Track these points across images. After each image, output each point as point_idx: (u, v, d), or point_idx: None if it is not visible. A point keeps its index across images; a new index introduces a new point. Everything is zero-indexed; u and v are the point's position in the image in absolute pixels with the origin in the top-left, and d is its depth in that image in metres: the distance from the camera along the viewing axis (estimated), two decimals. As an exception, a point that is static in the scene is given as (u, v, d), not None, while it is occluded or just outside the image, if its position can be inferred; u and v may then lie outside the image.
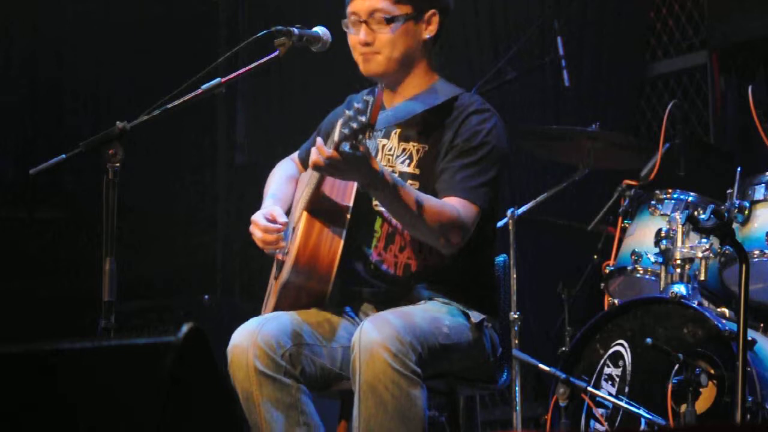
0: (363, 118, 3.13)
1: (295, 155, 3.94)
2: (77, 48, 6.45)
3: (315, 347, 3.48)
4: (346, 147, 3.22)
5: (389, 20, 3.56)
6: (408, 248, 3.57)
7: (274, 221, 3.58)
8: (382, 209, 3.56)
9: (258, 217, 3.62)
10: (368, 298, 3.58)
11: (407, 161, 3.59)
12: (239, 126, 7.28)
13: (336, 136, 3.22)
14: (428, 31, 3.62)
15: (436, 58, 3.76)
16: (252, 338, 3.42)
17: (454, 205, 3.44)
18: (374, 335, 3.28)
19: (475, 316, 3.53)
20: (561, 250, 5.76)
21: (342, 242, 3.45)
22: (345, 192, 3.49)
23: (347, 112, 3.18)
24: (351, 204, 3.49)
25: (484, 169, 3.51)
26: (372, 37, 3.58)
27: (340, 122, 3.21)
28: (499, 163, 3.54)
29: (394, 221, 3.55)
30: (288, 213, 3.70)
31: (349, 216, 3.48)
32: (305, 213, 3.47)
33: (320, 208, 3.47)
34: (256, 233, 3.60)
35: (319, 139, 3.33)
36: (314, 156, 3.28)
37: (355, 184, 3.49)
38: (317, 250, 3.44)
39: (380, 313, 3.43)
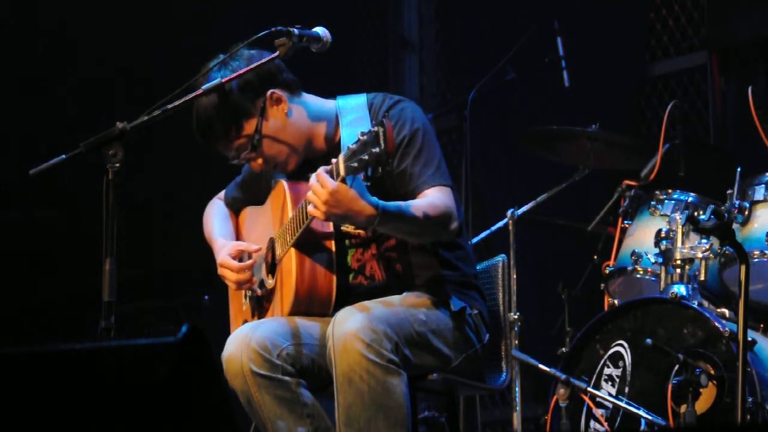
0: (376, 149, 3.11)
1: (222, 194, 4.01)
2: (77, 47, 6.44)
3: (311, 345, 3.49)
4: (348, 180, 3.21)
5: (256, 144, 3.54)
6: (383, 246, 3.60)
7: (240, 255, 3.66)
8: (350, 228, 3.61)
9: (227, 259, 3.67)
10: (354, 302, 3.59)
11: None
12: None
13: (342, 170, 3.20)
14: (282, 109, 3.57)
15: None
16: (245, 342, 3.43)
17: (434, 195, 3.48)
18: (347, 326, 3.32)
19: (455, 304, 3.55)
20: (561, 250, 5.76)
21: (335, 267, 3.50)
22: None
23: (350, 146, 3.17)
24: (332, 229, 3.52)
25: (430, 150, 3.54)
26: (260, 161, 3.59)
27: (342, 157, 3.20)
28: (433, 138, 3.59)
29: (364, 233, 3.59)
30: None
31: (333, 241, 3.52)
32: (293, 249, 3.49)
33: (304, 240, 3.49)
34: (230, 276, 3.67)
35: (321, 176, 3.26)
36: (316, 198, 3.24)
37: None
38: (314, 281, 3.50)
39: (355, 304, 3.45)
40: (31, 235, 6.31)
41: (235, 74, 3.45)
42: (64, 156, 3.21)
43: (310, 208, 3.29)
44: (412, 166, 3.51)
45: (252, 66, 3.47)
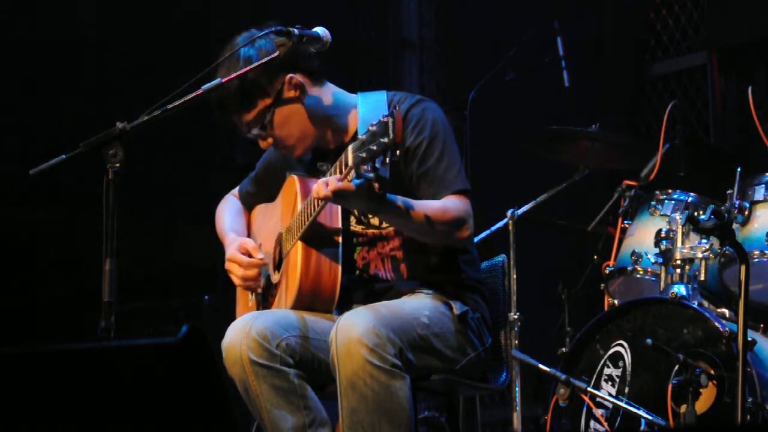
0: (385, 139, 3.09)
1: (236, 191, 4.01)
2: (78, 47, 6.45)
3: (311, 339, 3.49)
4: (358, 180, 3.20)
5: (266, 125, 3.55)
6: (389, 246, 3.59)
7: (248, 254, 3.65)
8: (359, 227, 3.61)
9: (236, 254, 3.65)
10: (359, 301, 3.59)
11: None
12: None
13: (350, 160, 3.19)
14: (299, 95, 3.57)
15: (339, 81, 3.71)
16: (245, 331, 3.44)
17: (452, 200, 3.49)
18: (351, 331, 3.32)
19: (458, 307, 3.55)
20: (561, 250, 5.76)
21: (340, 264, 3.49)
22: (332, 214, 3.51)
23: (360, 136, 3.17)
24: (340, 225, 3.51)
25: (449, 155, 3.55)
26: (269, 140, 3.60)
27: (351, 147, 3.19)
28: (453, 141, 3.59)
29: (370, 231, 3.58)
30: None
31: (340, 238, 3.51)
32: (300, 242, 3.48)
33: (312, 235, 3.48)
34: (237, 271, 3.66)
35: (331, 179, 3.27)
36: (322, 190, 3.25)
37: (340, 206, 3.50)
38: (319, 276, 3.49)
39: (358, 308, 3.44)
40: (31, 235, 6.30)
41: (236, 73, 3.45)
42: (64, 156, 3.21)
43: (319, 188, 3.28)
44: (434, 169, 3.51)
45: (252, 66, 3.47)
